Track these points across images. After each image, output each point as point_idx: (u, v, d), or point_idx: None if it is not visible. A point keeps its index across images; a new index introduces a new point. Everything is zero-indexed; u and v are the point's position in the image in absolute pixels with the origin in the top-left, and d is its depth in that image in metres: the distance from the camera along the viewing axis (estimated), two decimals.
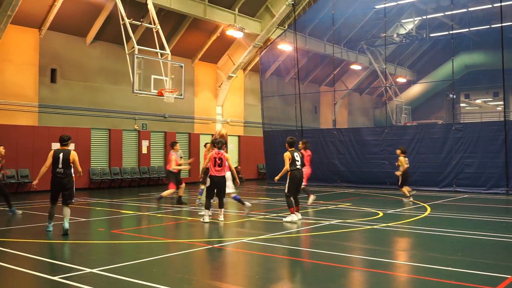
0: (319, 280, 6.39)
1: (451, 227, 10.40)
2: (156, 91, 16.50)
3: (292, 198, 11.32)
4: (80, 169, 10.04)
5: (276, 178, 11.60)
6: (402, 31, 31.72)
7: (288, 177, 11.32)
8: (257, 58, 26.83)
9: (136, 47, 16.16)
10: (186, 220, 11.85)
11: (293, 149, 11.49)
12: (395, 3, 26.32)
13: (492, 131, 18.82)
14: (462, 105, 42.18)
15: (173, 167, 14.41)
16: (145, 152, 23.00)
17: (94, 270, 6.60)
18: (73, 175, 10.07)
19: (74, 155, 9.89)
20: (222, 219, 11.20)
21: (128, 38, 17.01)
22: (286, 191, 11.35)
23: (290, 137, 11.91)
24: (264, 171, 27.34)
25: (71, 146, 20.08)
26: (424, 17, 31.01)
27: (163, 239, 9.48)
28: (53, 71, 19.94)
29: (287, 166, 11.26)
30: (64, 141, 10.08)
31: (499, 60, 19.05)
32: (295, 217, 11.14)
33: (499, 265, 6.99)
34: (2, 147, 12.71)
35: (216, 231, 10.37)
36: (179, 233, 10.51)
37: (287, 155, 11.33)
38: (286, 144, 11.62)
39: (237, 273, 7.00)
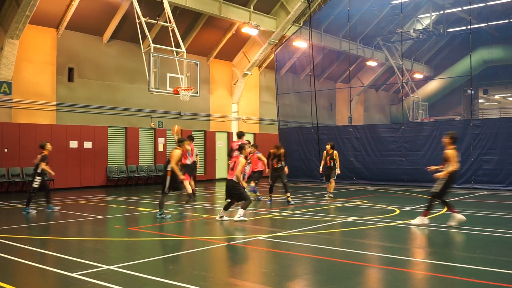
0: (335, 277, 6.36)
1: (469, 224, 10.27)
2: (172, 89, 16.58)
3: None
4: (173, 166, 11.30)
5: (441, 175, 9.94)
6: (419, 27, 31.39)
7: (446, 177, 9.90)
8: (272, 55, 26.79)
9: (152, 45, 16.24)
10: (202, 218, 11.89)
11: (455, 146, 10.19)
12: None
13: (511, 127, 18.54)
14: (480, 100, 41.66)
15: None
16: (161, 150, 23.14)
17: (111, 267, 6.66)
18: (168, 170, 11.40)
19: (172, 153, 11.45)
20: (227, 219, 10.83)
21: (144, 37, 17.11)
22: (437, 191, 9.95)
23: (454, 132, 10.56)
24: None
25: (88, 144, 20.31)
26: (441, 12, 30.64)
27: (180, 236, 9.53)
28: (71, 70, 20.15)
29: (456, 165, 9.87)
30: (180, 141, 11.92)
31: None
32: (426, 220, 10.15)
33: None
34: (49, 143, 13.16)
35: (232, 228, 10.38)
36: (195, 230, 10.55)
37: (453, 153, 9.92)
38: (449, 140, 10.14)
39: (253, 270, 7.00)
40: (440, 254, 7.68)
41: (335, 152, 16.05)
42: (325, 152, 16.18)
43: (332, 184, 16.08)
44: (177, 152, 11.39)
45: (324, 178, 16.26)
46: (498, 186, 18.40)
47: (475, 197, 16.08)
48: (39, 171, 12.58)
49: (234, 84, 26.76)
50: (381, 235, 9.45)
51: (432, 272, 6.66)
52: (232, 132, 26.78)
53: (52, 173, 13.16)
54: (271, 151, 15.01)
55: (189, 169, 15.13)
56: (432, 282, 6.22)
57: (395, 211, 12.52)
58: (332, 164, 15.98)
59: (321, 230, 9.85)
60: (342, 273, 6.57)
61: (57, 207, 12.84)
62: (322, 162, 16.23)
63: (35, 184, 12.56)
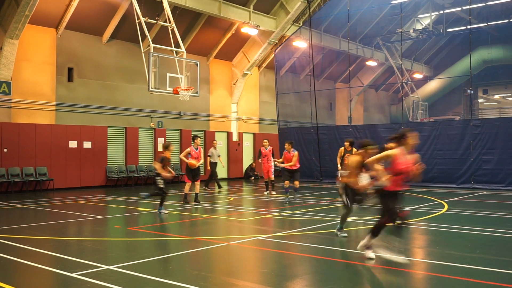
0: (335, 277, 6.36)
1: (469, 224, 10.28)
2: (172, 89, 16.58)
3: None
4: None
5: None
6: (419, 27, 31.39)
7: None
8: (272, 55, 26.79)
9: (152, 45, 16.24)
10: (202, 218, 11.89)
11: None
12: None
13: (510, 127, 18.54)
14: (480, 100, 41.67)
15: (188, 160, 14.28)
16: (161, 149, 23.11)
17: (111, 267, 6.66)
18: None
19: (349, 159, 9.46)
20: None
21: (144, 37, 17.11)
22: None
23: None
24: (279, 169, 27.28)
25: (88, 144, 20.30)
26: (441, 12, 30.65)
27: (179, 236, 9.53)
28: (70, 70, 20.15)
29: None
30: (363, 146, 9.80)
31: None
32: None
33: None
34: (172, 146, 13.05)
35: (231, 228, 10.38)
36: (195, 230, 10.54)
37: None
38: None
39: (252, 270, 7.00)
40: (439, 254, 7.68)
41: (355, 149, 13.65)
42: (342, 148, 14.25)
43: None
44: (354, 159, 8.60)
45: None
46: (497, 186, 18.40)
47: (475, 197, 16.08)
48: (157, 171, 12.36)
49: (234, 84, 26.75)
50: (381, 235, 9.43)
51: (432, 272, 6.65)
52: (231, 132, 26.78)
53: (168, 175, 12.47)
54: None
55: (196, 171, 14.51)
56: (432, 282, 6.21)
57: None
58: None
59: (321, 230, 9.85)
60: (341, 273, 6.57)
61: (165, 211, 12.35)
62: (339, 160, 14.22)
63: (160, 184, 12.28)
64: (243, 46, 26.15)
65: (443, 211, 12.53)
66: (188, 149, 14.51)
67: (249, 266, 7.26)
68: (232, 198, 16.39)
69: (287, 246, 8.29)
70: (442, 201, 14.59)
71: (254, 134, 28.02)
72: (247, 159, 27.13)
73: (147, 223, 11.43)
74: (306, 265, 7.19)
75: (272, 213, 12.30)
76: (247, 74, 26.48)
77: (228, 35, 24.36)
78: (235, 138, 26.97)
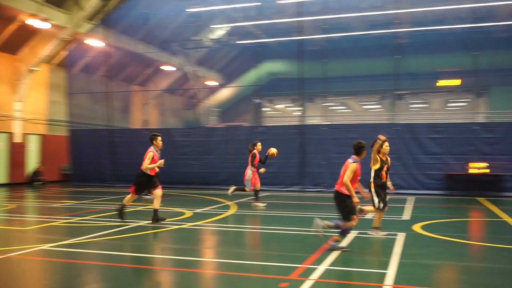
0: (124, 284, 6.27)
1: (254, 223, 11.11)
2: None
3: None
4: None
5: None
6: (213, 36, 32.84)
7: None
8: (65, 53, 25.17)
9: None
10: None
11: None
12: (207, 8, 27.13)
13: (291, 134, 20.61)
14: (266, 109, 45.36)
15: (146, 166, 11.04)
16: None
17: None
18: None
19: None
20: None
21: None
22: None
23: None
24: (68, 173, 25.72)
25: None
26: (234, 24, 32.54)
27: None
28: None
29: None
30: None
31: (299, 70, 21.10)
32: None
33: (292, 256, 7.68)
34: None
35: (11, 239, 9.43)
36: None
37: None
38: None
39: (35, 283, 6.48)
40: (228, 252, 8.14)
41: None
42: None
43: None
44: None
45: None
46: (278, 187, 20.23)
47: (261, 198, 17.33)
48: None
49: (19, 81, 24.35)
50: (173, 238, 9.61)
51: (221, 270, 7.02)
52: (13, 133, 24.32)
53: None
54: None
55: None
56: (220, 280, 6.55)
57: (186, 213, 12.85)
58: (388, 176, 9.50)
59: (112, 235, 9.58)
60: (131, 279, 6.50)
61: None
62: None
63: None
64: (31, 40, 24.00)
65: (231, 212, 13.30)
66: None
67: (30, 280, 6.69)
68: (15, 205, 14.89)
69: (74, 254, 7.86)
70: (231, 203, 15.47)
71: (41, 135, 25.90)
72: (33, 163, 24.93)
73: None
74: (94, 273, 6.93)
75: (59, 220, 11.54)
76: (34, 70, 24.37)
77: (13, 26, 22.09)
78: (18, 139, 24.55)
